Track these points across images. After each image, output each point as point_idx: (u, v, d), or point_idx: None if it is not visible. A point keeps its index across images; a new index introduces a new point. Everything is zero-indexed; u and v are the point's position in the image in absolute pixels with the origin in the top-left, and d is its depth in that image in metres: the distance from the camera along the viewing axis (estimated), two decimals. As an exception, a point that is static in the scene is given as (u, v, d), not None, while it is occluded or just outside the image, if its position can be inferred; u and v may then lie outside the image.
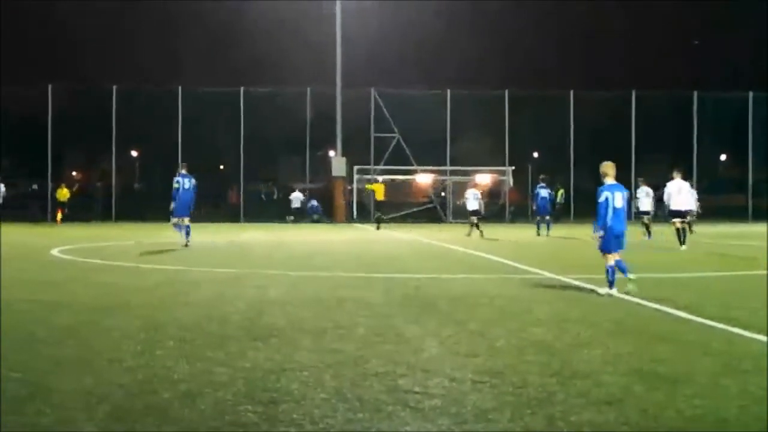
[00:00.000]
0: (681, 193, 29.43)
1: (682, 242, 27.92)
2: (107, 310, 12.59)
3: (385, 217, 49.11)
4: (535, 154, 70.40)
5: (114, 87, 59.03)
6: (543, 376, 8.08)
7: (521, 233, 38.64)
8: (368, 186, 50.65)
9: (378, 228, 44.98)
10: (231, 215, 58.68)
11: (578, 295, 15.06)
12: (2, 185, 49.74)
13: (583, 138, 61.15)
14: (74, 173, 75.13)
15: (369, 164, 59.68)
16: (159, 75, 79.73)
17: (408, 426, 6.49)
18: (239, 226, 51.51)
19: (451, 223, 56.83)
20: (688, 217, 34.61)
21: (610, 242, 14.91)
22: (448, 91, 60.93)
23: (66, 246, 27.43)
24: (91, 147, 63.84)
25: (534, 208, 41.35)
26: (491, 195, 65.02)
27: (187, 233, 28.00)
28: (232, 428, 6.42)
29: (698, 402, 7.13)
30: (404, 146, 59.19)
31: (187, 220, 28.09)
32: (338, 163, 57.75)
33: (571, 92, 61.42)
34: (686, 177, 30.26)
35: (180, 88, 59.33)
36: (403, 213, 58.65)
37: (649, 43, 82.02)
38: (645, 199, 37.33)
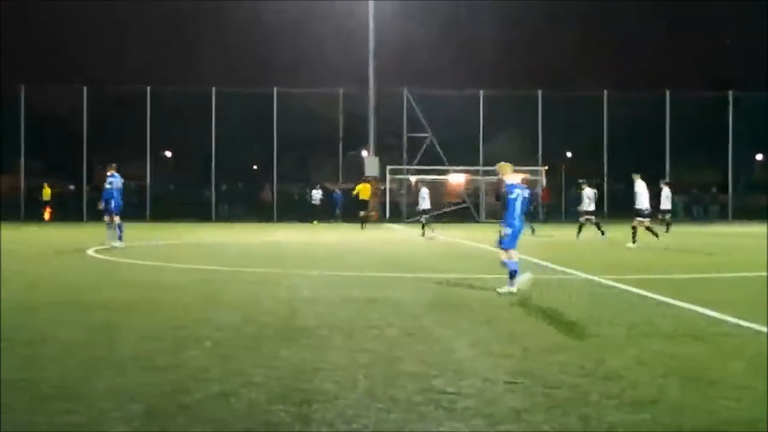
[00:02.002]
0: (644, 195, 30.21)
1: (634, 241, 28.78)
2: (140, 310, 12.67)
3: (368, 214, 49.30)
4: (569, 154, 70.10)
5: (148, 88, 59.31)
6: (576, 376, 8.05)
7: (555, 233, 38.44)
8: (357, 187, 50.82)
9: (362, 228, 45.28)
10: (264, 215, 58.81)
11: (611, 295, 14.98)
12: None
13: (617, 138, 60.77)
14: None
15: (402, 164, 59.63)
16: (192, 76, 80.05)
17: (441, 426, 6.49)
18: (272, 225, 51.62)
19: (484, 223, 56.68)
20: (668, 217, 38.07)
21: (515, 239, 14.97)
22: (481, 92, 60.78)
23: (101, 246, 27.58)
24: (126, 148, 64.15)
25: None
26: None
27: (120, 231, 27.93)
28: (265, 428, 6.44)
29: (731, 404, 7.08)
30: (437, 146, 59.08)
31: (118, 219, 28.06)
32: (371, 163, 57.73)
33: (605, 92, 61.10)
34: (646, 180, 30.73)
35: (213, 89, 59.54)
36: (435, 213, 58.57)
37: (684, 43, 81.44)
38: (665, 200, 38.76)
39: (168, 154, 69.21)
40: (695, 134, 61.38)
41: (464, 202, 61.40)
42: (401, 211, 59.03)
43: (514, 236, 15.08)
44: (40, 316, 12.01)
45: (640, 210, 29.96)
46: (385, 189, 59.52)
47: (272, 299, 13.90)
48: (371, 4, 57.52)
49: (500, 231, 15.15)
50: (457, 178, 60.45)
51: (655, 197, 38.17)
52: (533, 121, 60.75)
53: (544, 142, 60.78)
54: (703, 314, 12.30)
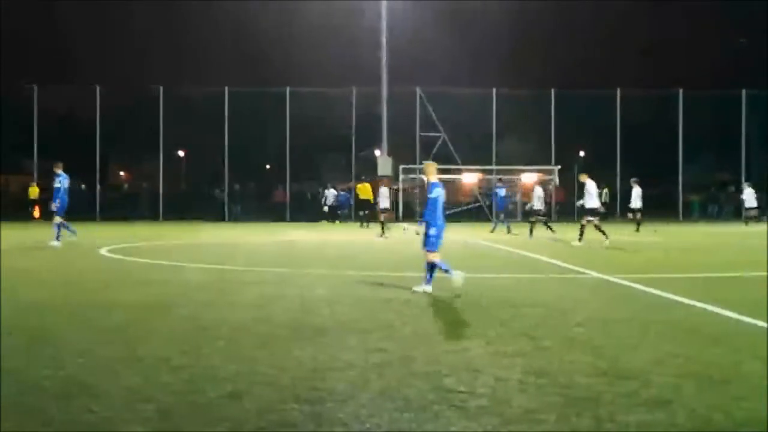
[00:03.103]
0: (594, 194, 30.59)
1: (580, 239, 29.25)
2: (154, 309, 12.69)
3: (367, 214, 49.45)
4: (582, 153, 69.98)
5: (161, 88, 59.40)
6: (590, 376, 8.02)
7: (568, 232, 38.35)
8: (358, 187, 50.98)
9: (361, 226, 45.42)
10: (277, 214, 58.85)
11: (625, 295, 14.95)
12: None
13: (630, 137, 60.64)
14: (121, 173, 75.87)
15: (414, 163, 59.59)
16: (205, 76, 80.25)
17: (454, 426, 6.47)
18: (285, 225, 51.65)
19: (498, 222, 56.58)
20: (638, 216, 38.96)
21: (439, 240, 14.89)
22: (494, 90, 60.71)
23: (113, 245, 27.65)
24: (138, 148, 64.33)
25: (492, 206, 42.29)
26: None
27: (65, 230, 27.92)
28: (278, 428, 6.43)
29: (748, 404, 7.05)
30: (450, 145, 59.02)
31: (59, 219, 28.04)
32: (384, 163, 57.70)
33: (618, 90, 60.96)
34: (595, 179, 31.18)
35: (226, 88, 59.61)
36: (449, 212, 58.52)
37: (697, 42, 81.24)
38: (636, 198, 39.66)
39: (181, 153, 69.34)
40: (709, 133, 61.23)
41: (477, 201, 61.32)
42: (414, 210, 58.97)
43: (439, 236, 14.93)
44: (56, 316, 12.03)
45: (590, 209, 30.13)
46: (398, 188, 59.48)
47: (285, 299, 13.90)
48: (384, 4, 57.50)
49: (424, 231, 14.94)
50: (470, 178, 60.37)
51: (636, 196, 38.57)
52: (546, 119, 60.64)
53: (557, 141, 60.67)
54: (718, 314, 12.25)
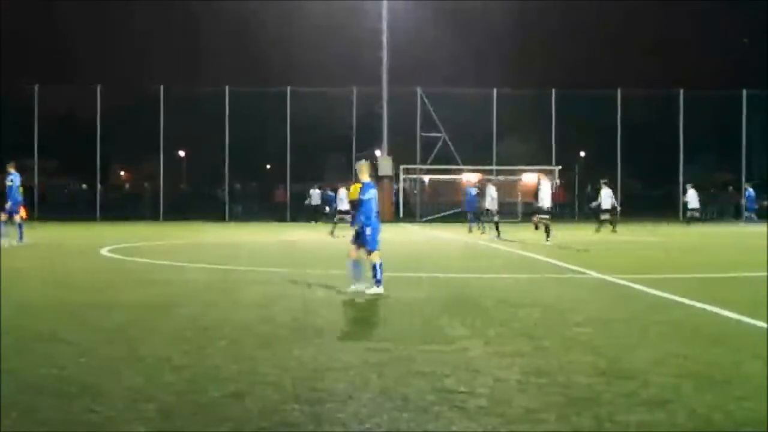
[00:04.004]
0: (548, 194, 30.82)
1: (548, 238, 29.47)
2: (156, 309, 12.71)
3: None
4: (582, 153, 70.00)
5: (161, 87, 59.39)
6: (590, 376, 8.04)
7: (568, 232, 38.37)
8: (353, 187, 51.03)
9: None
10: (278, 214, 58.84)
11: (625, 295, 14.97)
12: None
13: (631, 137, 60.61)
14: (122, 173, 75.89)
15: (415, 164, 59.61)
16: (205, 76, 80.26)
17: (454, 426, 6.48)
18: (286, 225, 51.64)
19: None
20: (609, 216, 39.19)
21: (375, 240, 14.86)
22: (495, 90, 60.67)
23: (114, 246, 27.67)
24: (139, 147, 64.33)
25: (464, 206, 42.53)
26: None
27: (21, 229, 27.99)
28: (279, 428, 6.45)
29: (748, 404, 7.06)
30: (450, 146, 59.01)
31: (18, 217, 28.09)
32: (385, 163, 57.73)
33: (618, 91, 60.92)
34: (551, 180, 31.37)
35: (227, 88, 59.58)
36: (449, 212, 58.51)
37: (698, 42, 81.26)
38: (606, 199, 39.44)
39: (181, 153, 69.35)
40: (709, 133, 61.22)
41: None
42: (414, 210, 59.02)
43: (374, 236, 14.91)
44: (57, 316, 12.06)
45: (541, 207, 30.38)
46: (398, 189, 59.52)
47: (286, 299, 13.92)
48: (384, 4, 57.51)
49: (361, 232, 14.91)
50: (470, 178, 60.35)
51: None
52: (547, 120, 60.61)
53: (557, 142, 60.64)
54: (718, 314, 12.27)
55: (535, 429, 6.42)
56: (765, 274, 18.10)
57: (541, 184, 31.13)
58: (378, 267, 14.58)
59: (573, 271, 19.37)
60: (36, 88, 58.45)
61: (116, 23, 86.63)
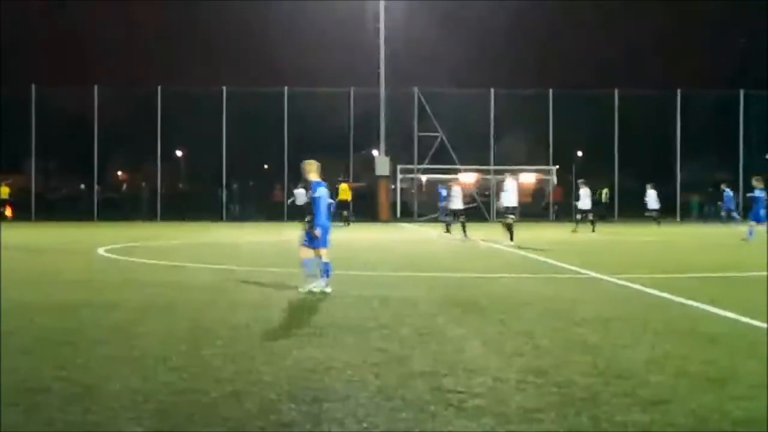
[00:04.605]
0: (513, 193, 30.26)
1: (511, 238, 29.00)
2: (153, 309, 12.70)
3: (349, 215, 49.93)
4: (579, 153, 70.01)
5: (159, 87, 59.35)
6: (588, 376, 8.04)
7: (566, 233, 38.41)
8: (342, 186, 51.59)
9: (344, 226, 46.63)
10: (276, 214, 58.83)
11: (623, 295, 14.97)
12: None
13: (628, 137, 60.62)
14: (119, 173, 75.81)
15: (412, 163, 59.64)
16: (203, 76, 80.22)
17: (451, 425, 6.48)
18: (284, 224, 51.61)
19: (495, 222, 56.64)
20: (589, 216, 39.35)
21: (325, 239, 14.94)
22: (492, 90, 60.67)
23: (111, 245, 27.66)
24: (137, 148, 64.26)
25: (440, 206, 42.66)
26: (535, 194, 64.85)
27: None
28: (276, 427, 6.45)
29: (745, 404, 7.06)
30: (447, 145, 59.02)
31: None
32: (382, 163, 57.75)
33: (616, 91, 60.92)
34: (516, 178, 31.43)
35: (224, 88, 59.55)
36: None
37: (695, 42, 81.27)
38: (585, 199, 39.52)
39: (179, 153, 69.30)
40: (706, 133, 61.24)
41: (474, 201, 61.33)
42: (412, 210, 59.05)
43: (325, 235, 14.97)
44: (54, 316, 12.04)
45: (507, 207, 30.05)
46: (396, 188, 59.54)
47: (284, 298, 13.92)
48: (382, 4, 57.50)
49: (310, 231, 14.94)
50: (467, 178, 60.38)
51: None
52: (544, 119, 60.61)
53: (555, 141, 60.64)
54: (716, 314, 12.28)
55: (533, 429, 6.42)
56: (758, 274, 18.13)
57: (506, 183, 30.93)
58: (327, 265, 14.70)
59: (571, 271, 19.38)
60: (33, 88, 58.39)
61: (114, 23, 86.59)
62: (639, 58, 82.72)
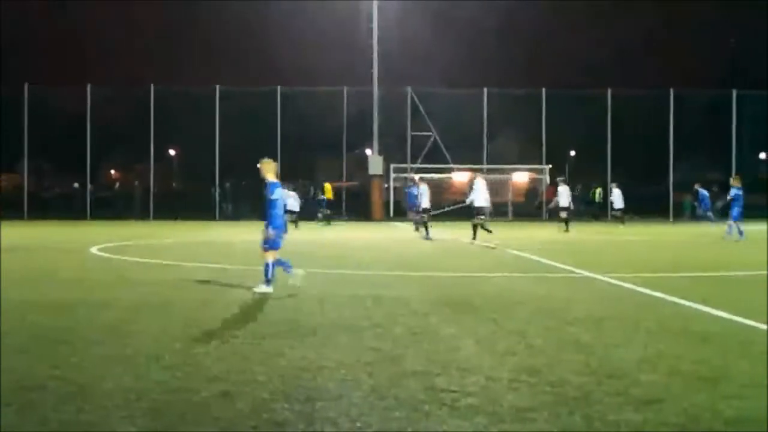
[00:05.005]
0: (482, 193, 30.27)
1: (474, 237, 29.26)
2: (146, 308, 12.69)
3: (331, 213, 50.81)
4: (572, 153, 70.09)
5: (152, 86, 59.29)
6: (581, 375, 8.05)
7: (560, 232, 38.44)
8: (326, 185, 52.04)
9: (328, 224, 47.65)
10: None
11: (616, 294, 14.99)
12: None
13: (621, 136, 60.66)
14: (112, 172, 75.78)
15: (406, 163, 59.66)
16: (196, 75, 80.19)
17: (444, 425, 6.49)
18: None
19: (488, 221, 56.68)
20: (564, 214, 39.50)
21: (278, 240, 14.93)
22: (485, 90, 60.72)
23: (104, 244, 27.63)
24: (130, 147, 64.24)
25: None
26: (528, 194, 64.92)
27: None
28: (269, 427, 6.44)
29: (737, 403, 7.07)
30: (441, 145, 59.07)
31: None
32: (375, 162, 57.78)
33: (609, 90, 60.99)
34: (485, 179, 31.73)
35: (218, 87, 59.54)
36: (440, 211, 58.61)
37: (688, 42, 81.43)
38: (563, 198, 39.90)
39: (172, 152, 69.25)
40: (699, 133, 61.35)
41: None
42: (405, 209, 59.06)
43: (279, 237, 14.98)
44: (47, 315, 12.02)
45: (478, 208, 30.09)
46: (389, 187, 59.56)
47: (277, 297, 13.91)
48: (375, 4, 57.49)
49: (265, 232, 14.89)
50: (460, 177, 60.42)
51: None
52: (537, 119, 60.66)
53: (548, 141, 60.68)
54: (708, 313, 12.29)
55: (526, 428, 6.43)
56: (749, 273, 18.18)
57: (475, 182, 30.94)
58: (271, 266, 14.66)
59: (564, 271, 19.40)
60: (26, 87, 58.32)
61: (106, 22, 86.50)
62: (632, 58, 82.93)
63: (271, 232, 14.72)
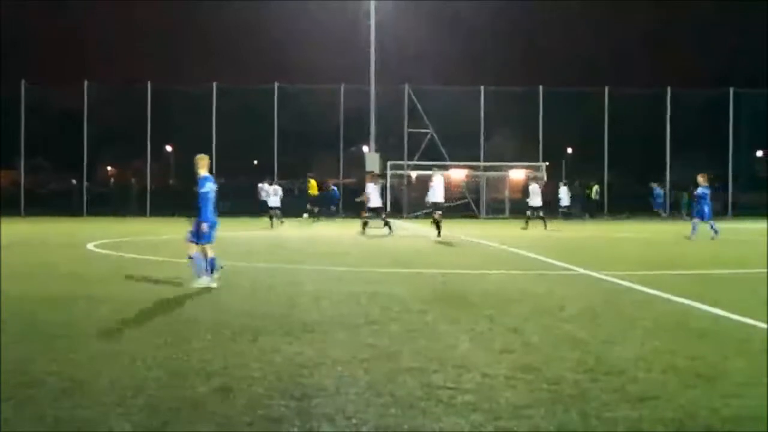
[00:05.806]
0: (440, 189, 31.19)
1: (439, 234, 29.99)
2: (142, 303, 12.67)
3: (316, 210, 51.45)
4: (569, 150, 70.09)
5: (149, 83, 59.25)
6: (577, 372, 8.05)
7: (555, 229, 38.44)
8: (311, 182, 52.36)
9: (316, 221, 47.98)
10: (264, 210, 58.69)
11: (613, 291, 14.98)
12: None
13: (618, 134, 60.67)
14: (109, 169, 75.72)
15: (402, 160, 59.64)
16: (193, 72, 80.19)
17: (441, 422, 6.48)
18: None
19: (485, 218, 56.74)
20: (540, 213, 39.41)
21: (210, 234, 15.21)
22: (482, 87, 60.73)
23: (101, 240, 27.60)
24: (127, 144, 64.18)
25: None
26: (525, 191, 64.95)
27: None
28: (265, 423, 6.44)
29: (733, 400, 7.07)
30: (438, 142, 59.07)
31: None
32: (372, 159, 57.72)
33: (606, 88, 60.99)
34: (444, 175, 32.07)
35: (215, 84, 59.51)
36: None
37: (685, 41, 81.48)
38: (534, 197, 39.78)
39: (169, 149, 69.18)
40: (696, 131, 61.36)
41: (465, 197, 61.36)
42: (402, 207, 59.04)
43: (212, 231, 15.23)
44: (44, 310, 12.00)
45: (436, 203, 30.81)
46: (385, 185, 59.54)
47: (273, 294, 13.92)
48: (372, 2, 57.43)
49: (196, 226, 15.21)
50: (457, 174, 60.42)
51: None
52: (534, 117, 60.66)
53: (545, 139, 60.67)
54: (705, 311, 12.29)
55: (522, 425, 6.42)
56: (744, 271, 18.19)
57: (433, 179, 31.43)
58: (213, 260, 14.99)
59: (561, 268, 19.39)
60: (23, 84, 58.25)
61: (104, 19, 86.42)
62: (629, 56, 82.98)
63: (204, 226, 15.06)
